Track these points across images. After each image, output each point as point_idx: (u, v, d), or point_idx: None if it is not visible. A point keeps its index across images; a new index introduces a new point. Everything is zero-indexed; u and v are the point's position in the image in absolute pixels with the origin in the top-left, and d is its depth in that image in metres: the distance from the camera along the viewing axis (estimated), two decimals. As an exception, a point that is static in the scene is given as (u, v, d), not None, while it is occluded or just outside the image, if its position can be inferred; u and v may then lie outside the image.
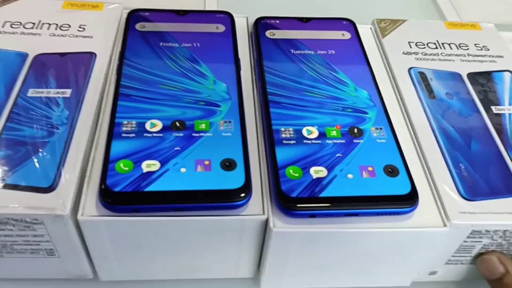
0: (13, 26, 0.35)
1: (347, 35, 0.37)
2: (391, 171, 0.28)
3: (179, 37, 0.35)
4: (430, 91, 0.34)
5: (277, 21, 0.37)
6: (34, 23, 0.36)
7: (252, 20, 0.38)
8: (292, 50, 0.35)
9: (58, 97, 0.31)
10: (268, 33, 0.36)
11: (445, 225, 0.27)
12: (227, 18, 0.37)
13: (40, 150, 0.27)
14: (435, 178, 0.29)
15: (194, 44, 0.35)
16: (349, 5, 0.49)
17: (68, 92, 0.31)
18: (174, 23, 0.36)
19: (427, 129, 0.32)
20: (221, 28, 0.36)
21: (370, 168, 0.28)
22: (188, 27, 0.36)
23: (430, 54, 0.37)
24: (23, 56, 0.33)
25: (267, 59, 0.34)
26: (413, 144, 0.31)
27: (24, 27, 0.35)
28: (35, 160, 0.27)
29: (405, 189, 0.27)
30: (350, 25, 0.38)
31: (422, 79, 0.35)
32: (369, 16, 0.42)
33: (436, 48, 0.38)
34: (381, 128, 0.30)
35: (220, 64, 0.33)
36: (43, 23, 0.36)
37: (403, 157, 0.29)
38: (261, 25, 0.37)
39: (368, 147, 0.29)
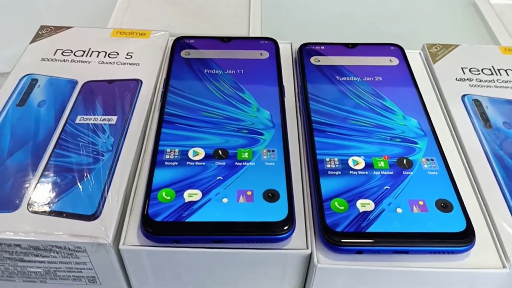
0: (64, 53, 0.36)
1: (395, 61, 0.36)
2: (444, 206, 0.26)
3: (223, 64, 0.35)
4: (486, 119, 0.32)
5: (322, 47, 0.37)
6: (84, 51, 0.37)
7: (296, 46, 0.38)
8: (337, 77, 0.34)
9: (104, 124, 0.31)
10: (312, 60, 0.36)
11: (504, 266, 0.25)
12: (271, 45, 0.37)
13: (85, 177, 0.27)
14: (493, 214, 0.27)
15: (238, 71, 0.34)
16: (396, 30, 0.47)
17: (114, 119, 0.31)
18: (218, 50, 0.36)
19: (483, 160, 0.30)
20: (265, 54, 0.36)
21: (421, 202, 0.26)
22: (232, 53, 0.36)
23: (485, 81, 0.35)
24: (73, 83, 0.34)
25: (311, 86, 0.33)
26: (468, 176, 0.29)
27: (75, 55, 0.36)
28: (80, 187, 0.27)
29: (459, 226, 0.25)
30: (398, 50, 0.37)
31: (477, 107, 0.33)
32: (418, 41, 0.40)
33: (492, 74, 0.36)
34: (432, 159, 0.29)
35: (264, 91, 0.33)
36: (92, 51, 0.37)
37: (457, 191, 0.27)
38: (305, 51, 0.36)
39: (419, 179, 0.28)
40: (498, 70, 0.36)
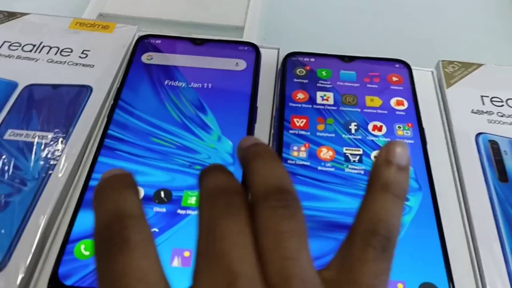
0: (11, 47, 0.31)
1: (398, 82, 0.29)
2: None
3: (189, 75, 0.29)
4: (502, 170, 0.26)
5: (312, 59, 0.30)
6: (34, 45, 0.32)
7: (287, 52, 0.32)
8: (322, 98, 0.28)
9: (37, 142, 0.26)
10: (298, 75, 0.30)
11: None
12: (251, 52, 0.31)
13: (-5, 214, 0.23)
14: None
15: (205, 85, 0.29)
16: (416, 35, 0.39)
17: (49, 136, 0.26)
18: (187, 54, 0.30)
19: (491, 228, 0.24)
20: (242, 65, 0.30)
21: (400, 286, 0.21)
22: (203, 61, 0.30)
23: (509, 116, 0.29)
24: (12, 85, 0.29)
25: (290, 110, 0.28)
26: (469, 250, 0.23)
27: (23, 50, 0.31)
28: (-13, 228, 0.22)
29: (445, 325, 0.20)
30: (403, 68, 0.30)
31: (493, 152, 0.27)
32: (437, 52, 0.33)
33: (518, 107, 0.29)
34: (423, 224, 0.23)
35: (231, 113, 0.27)
36: (44, 46, 0.32)
37: (449, 273, 0.21)
38: (291, 63, 0.30)
39: (402, 252, 0.22)
40: (528, 102, 0.30)
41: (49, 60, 0.31)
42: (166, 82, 0.29)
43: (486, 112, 0.29)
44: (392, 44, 0.36)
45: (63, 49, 0.31)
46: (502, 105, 0.29)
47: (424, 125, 0.27)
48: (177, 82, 0.29)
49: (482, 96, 0.30)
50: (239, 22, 0.46)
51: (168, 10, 0.48)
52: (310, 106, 0.28)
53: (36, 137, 0.26)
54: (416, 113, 0.28)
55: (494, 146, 0.27)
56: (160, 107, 0.27)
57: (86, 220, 0.22)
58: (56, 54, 0.31)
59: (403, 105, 0.28)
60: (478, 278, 0.22)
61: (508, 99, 0.30)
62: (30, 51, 0.31)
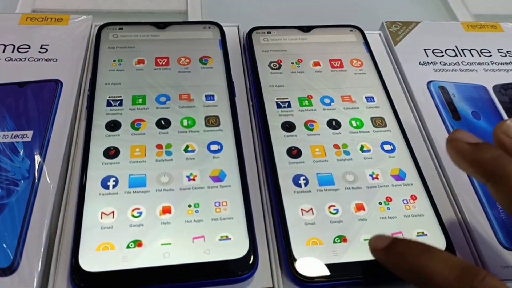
0: (-40, 50, 0.30)
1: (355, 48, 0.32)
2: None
3: (160, 57, 0.30)
4: (453, 110, 0.30)
5: (275, 32, 0.32)
6: (-15, 45, 0.30)
7: (243, 30, 0.33)
8: (295, 66, 0.30)
9: (17, 142, 0.25)
10: (263, 47, 0.31)
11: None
12: (216, 31, 0.32)
13: (-5, 218, 0.22)
14: (470, 222, 0.24)
15: (178, 65, 0.29)
16: (348, 7, 0.42)
17: (29, 134, 0.26)
18: (153, 38, 0.31)
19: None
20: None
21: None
22: (170, 43, 0.31)
23: (450, 64, 0.33)
24: (-27, 89, 0.28)
25: (266, 80, 0.29)
26: (440, 179, 0.26)
27: (-26, 51, 0.30)
28: (-10, 232, 0.22)
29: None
30: (358, 33, 0.33)
31: (443, 96, 0.30)
32: (371, 20, 0.36)
33: (456, 55, 0.33)
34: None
35: (210, 89, 0.28)
36: (-3, 45, 0.30)
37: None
38: (255, 37, 0.32)
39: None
40: (462, 50, 0.34)
41: (7, 59, 0.29)
42: (139, 66, 0.29)
43: (431, 62, 0.33)
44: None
45: (19, 46, 0.30)
46: (443, 55, 0.33)
47: (385, 79, 0.30)
48: (151, 66, 0.29)
49: (425, 50, 0.33)
50: (181, 6, 0.46)
51: (104, 1, 0.47)
52: (285, 73, 0.29)
53: (15, 137, 0.26)
54: (376, 70, 0.30)
55: (443, 91, 0.31)
56: (141, 91, 0.28)
57: (94, 207, 0.23)
58: (13, 51, 0.30)
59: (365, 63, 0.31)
60: (452, 198, 0.26)
61: (446, 50, 0.34)
62: (-17, 51, 0.30)
